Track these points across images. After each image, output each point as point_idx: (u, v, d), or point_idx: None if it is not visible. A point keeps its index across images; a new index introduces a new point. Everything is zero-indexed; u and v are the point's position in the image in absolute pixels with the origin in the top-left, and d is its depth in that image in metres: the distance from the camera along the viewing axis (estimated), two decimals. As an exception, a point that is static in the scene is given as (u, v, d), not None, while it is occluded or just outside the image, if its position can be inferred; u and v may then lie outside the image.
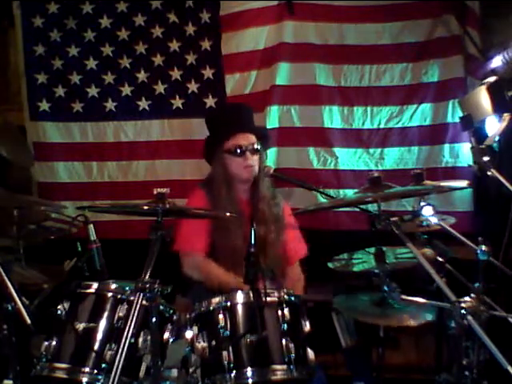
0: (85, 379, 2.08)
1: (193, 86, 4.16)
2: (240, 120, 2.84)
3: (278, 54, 4.06)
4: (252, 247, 2.09)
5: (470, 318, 1.77)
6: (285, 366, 2.05)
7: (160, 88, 4.18)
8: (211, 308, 2.16)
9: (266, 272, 2.65)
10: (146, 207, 2.20)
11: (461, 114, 3.50)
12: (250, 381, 2.03)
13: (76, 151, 4.27)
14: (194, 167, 4.04)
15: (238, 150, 2.75)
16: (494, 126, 3.20)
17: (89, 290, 2.25)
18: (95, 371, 2.09)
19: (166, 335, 2.22)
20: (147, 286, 1.90)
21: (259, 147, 2.79)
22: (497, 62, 3.58)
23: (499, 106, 3.07)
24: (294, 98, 4.08)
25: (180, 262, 2.75)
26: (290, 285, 2.78)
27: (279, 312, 2.13)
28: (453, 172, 3.90)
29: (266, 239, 2.75)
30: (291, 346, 2.07)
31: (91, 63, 4.20)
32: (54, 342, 2.15)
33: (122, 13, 4.18)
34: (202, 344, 2.11)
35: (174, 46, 4.15)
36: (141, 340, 2.13)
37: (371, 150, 4.05)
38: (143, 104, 4.20)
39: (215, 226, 2.75)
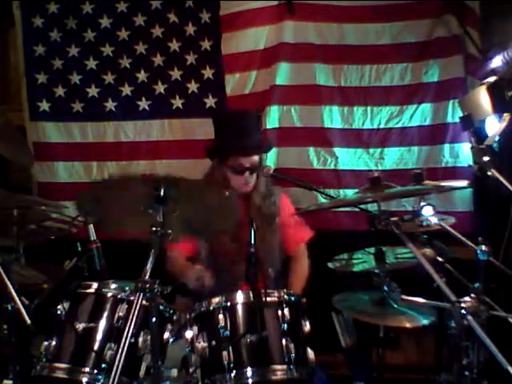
0: (85, 379, 2.08)
1: (193, 86, 4.16)
2: (248, 137, 2.84)
3: (278, 54, 4.05)
4: (252, 247, 2.09)
5: (470, 317, 1.77)
6: (285, 366, 2.05)
7: (160, 88, 4.18)
8: (211, 308, 2.17)
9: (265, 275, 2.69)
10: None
11: (461, 114, 3.50)
12: (250, 381, 2.03)
13: (76, 151, 4.26)
14: (194, 167, 4.02)
15: (239, 169, 2.80)
16: (493, 126, 3.20)
17: (89, 290, 2.25)
18: (95, 371, 2.09)
19: (166, 335, 2.22)
20: (147, 285, 1.90)
21: (260, 163, 2.85)
22: (497, 61, 3.58)
23: (499, 106, 3.07)
24: (294, 98, 4.08)
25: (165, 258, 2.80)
26: (295, 266, 2.92)
27: (279, 312, 2.13)
28: (453, 172, 3.90)
29: (264, 244, 2.77)
30: (291, 346, 2.07)
31: (91, 63, 4.19)
32: (53, 342, 2.15)
33: (122, 13, 4.17)
34: (202, 344, 2.11)
35: (174, 46, 4.15)
36: (141, 340, 2.13)
37: (371, 150, 4.05)
38: (143, 104, 4.20)
39: None
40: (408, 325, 2.27)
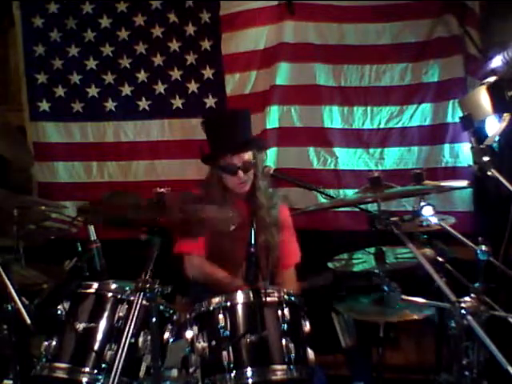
0: (85, 379, 2.08)
1: (193, 86, 4.16)
2: (235, 135, 2.80)
3: (278, 54, 4.05)
4: (252, 247, 2.09)
5: (470, 317, 1.77)
6: (285, 366, 2.05)
7: (160, 88, 4.18)
8: (211, 308, 2.16)
9: (266, 275, 2.68)
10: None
11: (461, 114, 3.50)
12: (250, 381, 2.03)
13: (76, 151, 4.26)
14: (194, 167, 4.03)
15: (230, 169, 2.75)
16: (493, 126, 3.20)
17: (89, 290, 2.26)
18: (95, 371, 2.09)
19: (166, 335, 2.22)
20: (147, 285, 1.90)
21: (253, 161, 2.79)
22: (497, 61, 3.57)
23: (499, 106, 3.06)
24: (294, 98, 4.08)
25: (183, 263, 2.75)
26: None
27: (279, 312, 2.13)
28: (453, 172, 3.90)
29: (267, 244, 2.77)
30: (291, 346, 2.07)
31: (91, 63, 4.20)
32: (53, 342, 2.16)
33: (122, 13, 4.17)
34: (202, 344, 2.11)
35: (174, 45, 4.15)
36: (141, 340, 2.14)
37: (371, 150, 4.05)
38: (143, 104, 4.20)
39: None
40: (414, 316, 2.26)
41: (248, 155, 2.77)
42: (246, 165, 2.76)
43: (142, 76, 4.18)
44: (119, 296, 2.21)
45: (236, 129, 2.84)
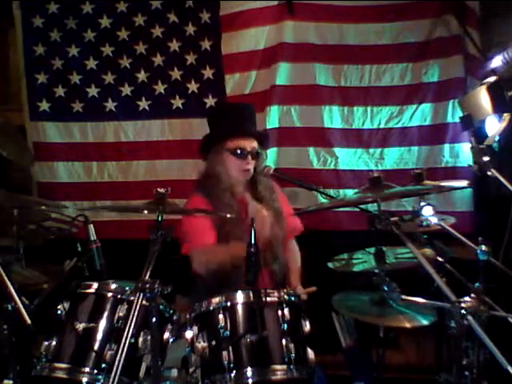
0: (85, 379, 2.09)
1: (193, 86, 4.16)
2: (245, 123, 2.83)
3: (277, 54, 4.05)
4: (252, 247, 2.09)
5: (470, 317, 1.77)
6: (285, 366, 2.05)
7: (160, 88, 4.18)
8: (211, 308, 2.17)
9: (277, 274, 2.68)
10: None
11: (461, 114, 3.50)
12: (250, 381, 2.03)
13: (76, 151, 4.26)
14: (194, 167, 4.02)
15: (240, 152, 2.75)
16: (494, 126, 3.20)
17: (89, 290, 2.26)
18: (95, 371, 2.09)
19: (166, 335, 2.22)
20: (147, 285, 1.90)
21: (259, 151, 2.81)
22: (497, 61, 3.58)
23: (499, 106, 3.06)
24: (294, 97, 4.08)
25: (190, 261, 2.67)
26: (291, 256, 2.88)
27: (279, 312, 2.13)
28: (453, 172, 3.90)
29: (272, 241, 2.74)
30: (291, 346, 2.07)
31: (91, 63, 4.20)
32: (54, 342, 2.16)
33: (122, 13, 4.17)
34: (202, 344, 2.11)
35: (174, 46, 4.15)
36: (141, 340, 2.14)
37: (371, 150, 4.05)
38: (143, 104, 4.20)
39: (216, 225, 2.74)
40: (407, 325, 2.26)
41: (255, 144, 2.78)
42: (254, 152, 2.76)
43: (141, 76, 4.19)
44: (119, 296, 2.21)
45: (246, 118, 2.87)
